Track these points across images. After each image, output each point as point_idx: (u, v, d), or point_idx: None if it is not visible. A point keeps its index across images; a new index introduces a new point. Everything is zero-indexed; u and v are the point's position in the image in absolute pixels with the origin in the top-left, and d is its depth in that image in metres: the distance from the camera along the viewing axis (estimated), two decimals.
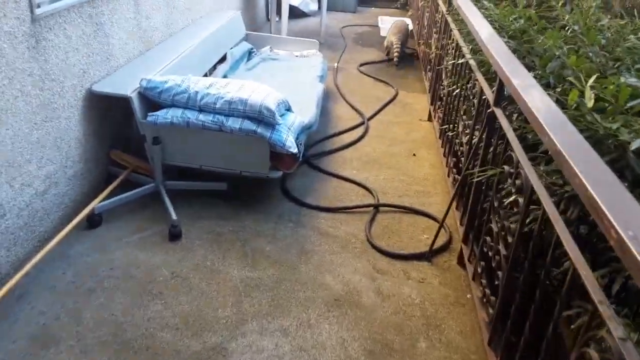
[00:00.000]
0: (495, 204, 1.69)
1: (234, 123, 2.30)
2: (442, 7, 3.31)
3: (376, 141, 3.30)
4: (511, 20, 2.25)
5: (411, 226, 2.49)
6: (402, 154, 3.15)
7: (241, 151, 2.39)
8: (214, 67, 3.39)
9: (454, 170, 2.57)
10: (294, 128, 2.47)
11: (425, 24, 4.34)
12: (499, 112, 1.78)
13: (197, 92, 2.35)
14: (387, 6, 6.94)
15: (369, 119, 3.60)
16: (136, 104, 2.33)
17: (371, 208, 2.58)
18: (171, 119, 2.32)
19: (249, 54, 3.84)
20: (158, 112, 2.37)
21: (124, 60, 2.62)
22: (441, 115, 3.11)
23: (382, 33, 5.70)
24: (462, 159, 2.31)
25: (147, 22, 2.86)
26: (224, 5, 4.20)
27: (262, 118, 2.31)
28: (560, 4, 2.39)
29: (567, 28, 2.14)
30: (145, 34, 2.84)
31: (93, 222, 2.29)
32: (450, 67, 2.85)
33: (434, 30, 3.73)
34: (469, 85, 2.34)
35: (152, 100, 2.40)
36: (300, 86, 3.23)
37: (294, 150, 2.37)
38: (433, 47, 3.65)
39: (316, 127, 2.91)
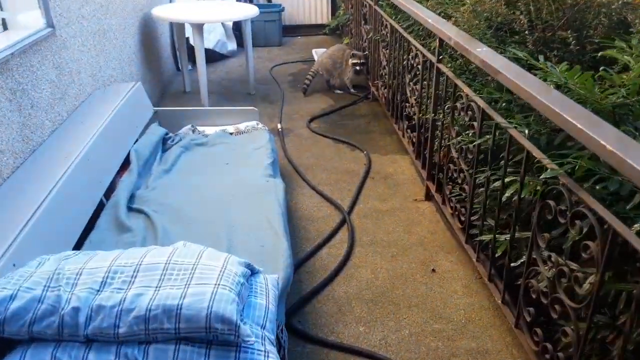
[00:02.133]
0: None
1: (159, 358, 1.19)
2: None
3: (372, 254, 2.29)
4: None
5: None
6: (416, 275, 2.16)
7: None
8: (112, 185, 2.22)
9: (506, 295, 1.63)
10: (269, 322, 1.39)
11: (384, 57, 3.41)
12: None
13: (77, 311, 1.20)
14: (314, 33, 6.00)
15: (349, 212, 2.59)
16: None
17: None
18: None
19: (164, 142, 2.70)
20: None
21: None
22: (452, 194, 2.16)
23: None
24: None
25: None
26: (111, 75, 3.02)
27: (216, 336, 1.21)
28: None
29: None
30: None
31: None
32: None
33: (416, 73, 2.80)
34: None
35: None
36: (252, 197, 2.15)
37: None
38: (412, 97, 2.72)
39: (292, 272, 1.84)
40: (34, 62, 2.05)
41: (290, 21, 5.97)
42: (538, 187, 1.52)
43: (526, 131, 1.58)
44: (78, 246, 1.82)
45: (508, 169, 1.71)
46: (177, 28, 4.11)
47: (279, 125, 3.58)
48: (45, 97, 2.13)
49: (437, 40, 2.27)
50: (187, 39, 4.43)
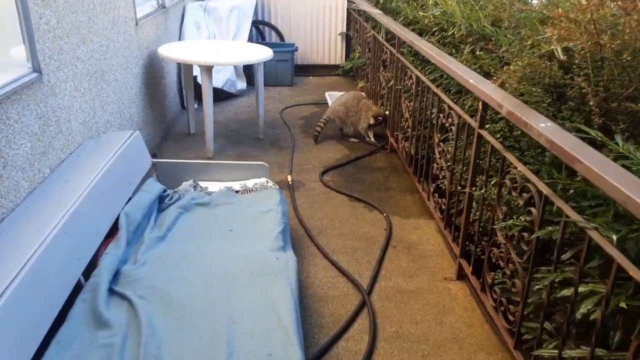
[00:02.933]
0: None
1: None
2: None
3: (398, 352, 1.92)
4: None
5: None
6: None
7: None
8: (95, 257, 1.89)
9: None
10: None
11: (406, 109, 3.12)
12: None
13: None
14: (327, 74, 5.76)
15: (369, 292, 2.24)
16: None
17: None
18: None
19: (160, 200, 2.37)
20: None
21: None
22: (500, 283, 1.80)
23: None
24: None
25: None
26: (108, 121, 2.73)
27: None
28: None
29: None
30: None
31: None
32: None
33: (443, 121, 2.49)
34: None
35: None
36: (259, 280, 1.80)
37: None
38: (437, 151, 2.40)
39: None
40: (11, 114, 1.75)
41: (303, 61, 5.74)
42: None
43: (614, 237, 1.25)
44: (45, 345, 1.47)
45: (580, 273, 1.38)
46: (184, 66, 3.85)
47: (289, 178, 3.26)
48: (23, 153, 1.82)
49: (481, 103, 1.97)
50: (195, 77, 4.18)
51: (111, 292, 1.72)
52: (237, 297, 1.70)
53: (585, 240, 1.32)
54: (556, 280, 1.46)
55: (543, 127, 1.51)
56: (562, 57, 1.94)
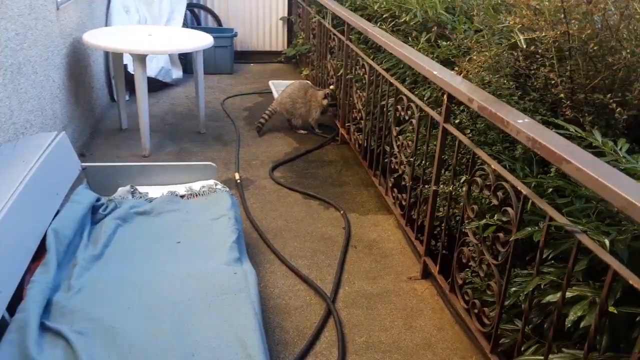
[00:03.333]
0: None
1: None
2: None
3: None
4: None
5: None
6: None
7: None
8: (21, 284, 1.61)
9: None
10: None
11: (358, 99, 2.98)
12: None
13: None
14: (269, 60, 5.52)
15: (333, 299, 2.10)
16: None
17: None
18: None
19: (93, 211, 2.10)
20: None
21: None
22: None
23: None
24: None
25: None
26: (27, 120, 2.39)
27: None
28: None
29: None
30: None
31: None
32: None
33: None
34: None
35: None
36: (217, 303, 1.60)
37: None
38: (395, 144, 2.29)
39: None
40: None
41: (243, 47, 5.47)
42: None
43: (607, 242, 1.18)
44: None
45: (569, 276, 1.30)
46: (113, 54, 3.50)
47: (237, 175, 3.05)
48: None
49: (446, 96, 1.86)
50: (126, 65, 3.82)
51: (43, 328, 1.46)
52: (193, 325, 1.50)
53: (575, 244, 1.24)
54: (541, 286, 1.38)
55: (521, 124, 1.41)
56: (524, 46, 1.87)
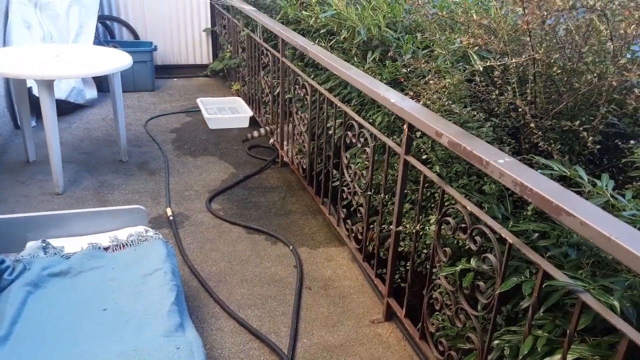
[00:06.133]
0: None
1: None
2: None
3: None
4: None
5: None
6: None
7: None
8: None
9: None
10: None
11: (300, 121, 2.76)
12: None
13: None
14: (193, 74, 5.17)
15: (292, 357, 1.86)
16: None
17: None
18: None
19: None
20: None
21: None
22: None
23: (212, 125, 3.93)
24: None
25: None
26: None
27: None
28: None
29: None
30: None
31: None
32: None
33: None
34: None
35: None
36: None
37: None
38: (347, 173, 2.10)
39: None
40: None
41: (164, 61, 5.08)
42: None
43: (616, 303, 1.04)
44: None
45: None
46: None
47: (168, 211, 2.72)
48: None
49: (406, 126, 1.69)
50: (30, 88, 3.35)
51: None
52: None
53: (578, 304, 1.10)
54: (538, 347, 1.24)
55: (503, 164, 1.26)
56: (481, 68, 1.74)
